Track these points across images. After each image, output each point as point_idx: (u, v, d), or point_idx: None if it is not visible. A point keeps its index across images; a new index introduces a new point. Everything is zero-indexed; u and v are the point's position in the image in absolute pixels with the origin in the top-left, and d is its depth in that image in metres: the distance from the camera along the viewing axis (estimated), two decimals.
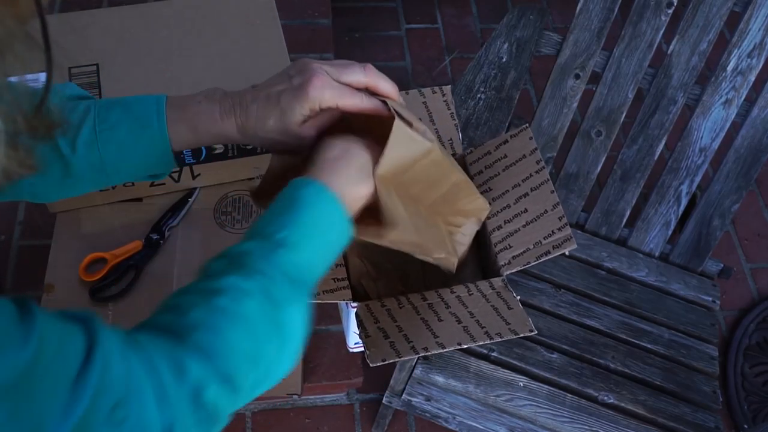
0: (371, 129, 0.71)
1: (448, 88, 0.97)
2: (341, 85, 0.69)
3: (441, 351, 0.79)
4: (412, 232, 0.73)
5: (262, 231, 0.60)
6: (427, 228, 0.80)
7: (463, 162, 0.97)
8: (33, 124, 0.45)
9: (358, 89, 0.70)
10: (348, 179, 0.66)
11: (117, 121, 0.69)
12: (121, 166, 0.71)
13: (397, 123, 0.67)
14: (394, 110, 0.68)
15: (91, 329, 0.48)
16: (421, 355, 0.78)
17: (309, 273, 0.62)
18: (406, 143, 0.70)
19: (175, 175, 1.16)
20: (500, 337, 0.79)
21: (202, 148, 1.13)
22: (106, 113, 0.70)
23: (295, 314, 0.59)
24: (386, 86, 0.72)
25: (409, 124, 0.69)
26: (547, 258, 0.83)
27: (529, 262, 0.84)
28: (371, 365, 0.77)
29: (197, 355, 0.53)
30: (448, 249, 0.82)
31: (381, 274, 0.93)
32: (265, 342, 0.58)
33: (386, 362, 0.77)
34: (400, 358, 0.78)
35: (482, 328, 0.80)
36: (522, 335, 0.80)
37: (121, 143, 0.69)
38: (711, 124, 1.38)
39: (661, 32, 1.34)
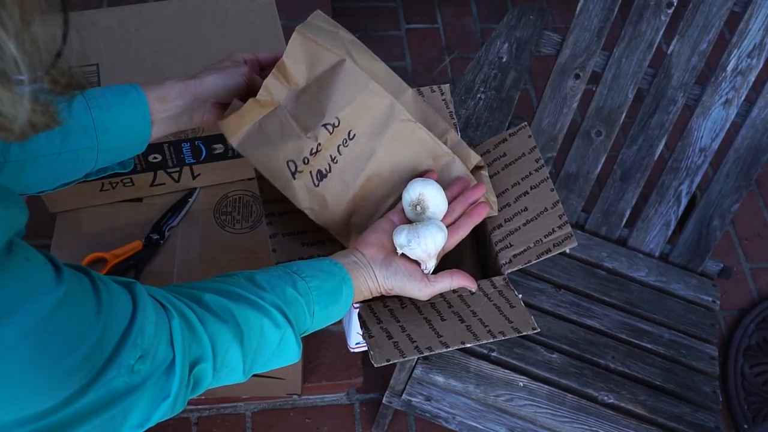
0: None
1: (446, 87, 0.97)
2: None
3: (445, 350, 0.79)
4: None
5: (306, 295, 0.74)
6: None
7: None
8: (54, 77, 0.48)
9: None
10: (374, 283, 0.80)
11: (101, 92, 0.80)
12: (110, 127, 0.79)
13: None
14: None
15: (135, 293, 0.61)
16: (425, 354, 0.78)
17: (311, 328, 0.77)
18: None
19: (175, 175, 1.16)
20: (503, 336, 0.79)
21: (203, 148, 1.13)
22: (90, 91, 0.80)
23: (289, 357, 0.74)
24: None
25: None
26: (548, 256, 0.83)
27: (530, 261, 0.84)
28: (376, 366, 0.77)
29: (208, 353, 0.66)
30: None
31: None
32: (260, 364, 0.73)
33: (390, 362, 0.77)
34: (404, 357, 0.78)
35: (485, 326, 0.80)
36: (525, 333, 0.80)
37: (109, 106, 0.79)
38: (711, 124, 1.38)
39: (661, 32, 1.34)
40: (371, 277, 0.78)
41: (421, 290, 0.79)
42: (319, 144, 0.81)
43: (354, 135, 0.82)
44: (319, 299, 0.74)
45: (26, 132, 0.47)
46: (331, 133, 0.81)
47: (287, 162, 0.82)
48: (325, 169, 0.83)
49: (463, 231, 0.83)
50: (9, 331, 0.48)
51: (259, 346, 0.70)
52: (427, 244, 0.77)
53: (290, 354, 0.73)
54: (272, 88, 0.81)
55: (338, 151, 0.83)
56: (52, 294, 0.51)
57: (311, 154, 0.82)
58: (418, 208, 0.82)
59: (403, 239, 0.78)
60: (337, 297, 0.76)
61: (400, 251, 0.79)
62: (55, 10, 0.47)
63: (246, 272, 0.74)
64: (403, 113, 0.83)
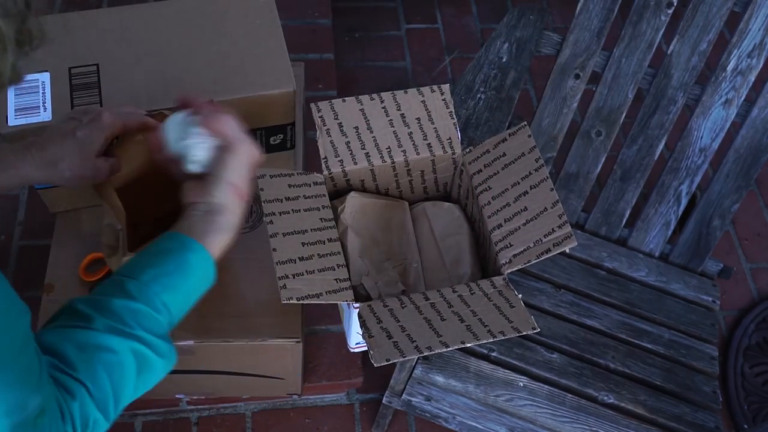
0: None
1: (446, 87, 0.97)
2: (126, 112, 0.88)
3: (445, 350, 0.79)
4: None
5: (147, 289, 0.69)
6: None
7: (462, 161, 0.97)
8: (22, 35, 0.49)
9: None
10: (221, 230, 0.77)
11: None
12: None
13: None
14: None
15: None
16: (425, 354, 0.78)
17: (175, 316, 0.73)
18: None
19: None
20: (503, 336, 0.79)
21: None
22: None
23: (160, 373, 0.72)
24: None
25: None
26: (548, 256, 0.83)
27: (529, 261, 0.84)
28: (375, 365, 0.77)
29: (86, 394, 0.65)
30: None
31: (381, 274, 0.93)
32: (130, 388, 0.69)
33: (390, 362, 0.77)
34: (404, 357, 0.78)
35: (485, 326, 0.80)
36: (525, 333, 0.80)
37: None
38: (711, 124, 1.38)
39: (661, 32, 1.34)
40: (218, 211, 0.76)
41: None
42: None
43: None
44: (161, 288, 0.70)
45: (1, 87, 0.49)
46: None
47: None
48: None
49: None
50: None
51: (115, 382, 0.66)
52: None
53: (157, 368, 0.70)
54: None
55: None
56: None
57: None
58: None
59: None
60: (186, 271, 0.71)
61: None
62: None
63: (70, 303, 0.70)
64: None
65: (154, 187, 0.88)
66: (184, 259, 0.71)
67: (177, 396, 1.41)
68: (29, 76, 1.00)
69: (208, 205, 0.76)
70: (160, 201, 0.88)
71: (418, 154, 0.95)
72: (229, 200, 0.77)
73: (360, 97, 0.95)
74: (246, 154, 0.80)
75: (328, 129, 0.94)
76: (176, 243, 0.72)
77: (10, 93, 1.03)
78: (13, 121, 1.02)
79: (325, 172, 0.94)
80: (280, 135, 1.18)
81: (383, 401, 1.31)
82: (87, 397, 0.64)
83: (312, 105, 0.95)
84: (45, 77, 1.07)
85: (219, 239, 0.75)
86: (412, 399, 1.25)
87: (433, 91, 0.96)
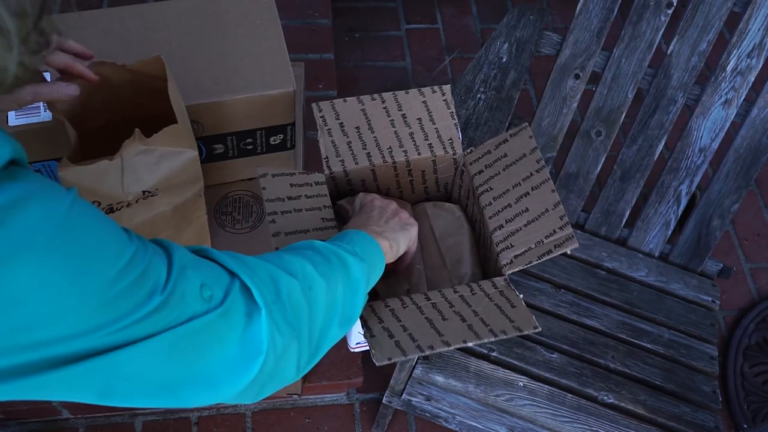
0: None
1: (447, 88, 0.97)
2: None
3: (447, 349, 0.79)
4: None
5: (356, 258, 0.74)
6: None
7: (463, 162, 0.97)
8: (30, 37, 0.50)
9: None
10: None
11: None
12: None
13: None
14: None
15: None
16: (426, 353, 0.78)
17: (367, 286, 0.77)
18: None
19: None
20: (505, 335, 0.79)
21: (203, 148, 1.12)
22: None
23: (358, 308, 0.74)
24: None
25: None
26: (548, 257, 0.83)
27: (530, 262, 0.84)
28: (377, 365, 0.77)
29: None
30: None
31: (384, 274, 0.92)
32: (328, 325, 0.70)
33: (392, 361, 0.77)
34: (405, 356, 0.78)
35: (487, 326, 0.80)
36: (527, 333, 0.80)
37: None
38: (711, 124, 1.38)
39: (661, 32, 1.34)
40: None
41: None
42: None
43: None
44: (353, 245, 0.74)
45: (13, 84, 0.48)
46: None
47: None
48: None
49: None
50: (31, 216, 0.47)
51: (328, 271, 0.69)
52: None
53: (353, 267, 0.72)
54: None
55: None
56: (65, 196, 0.50)
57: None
58: None
59: None
60: (371, 243, 0.77)
61: None
62: None
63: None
64: None
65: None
66: (368, 239, 0.78)
67: None
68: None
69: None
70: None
71: (419, 154, 0.95)
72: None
73: (361, 97, 0.95)
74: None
75: (330, 129, 0.94)
76: (356, 234, 0.78)
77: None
78: (13, 121, 1.02)
79: (327, 172, 0.94)
80: (280, 135, 1.17)
81: (383, 401, 1.31)
82: (308, 262, 0.67)
83: (313, 105, 0.95)
84: (45, 77, 1.07)
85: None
86: (412, 399, 1.25)
87: (434, 91, 0.96)
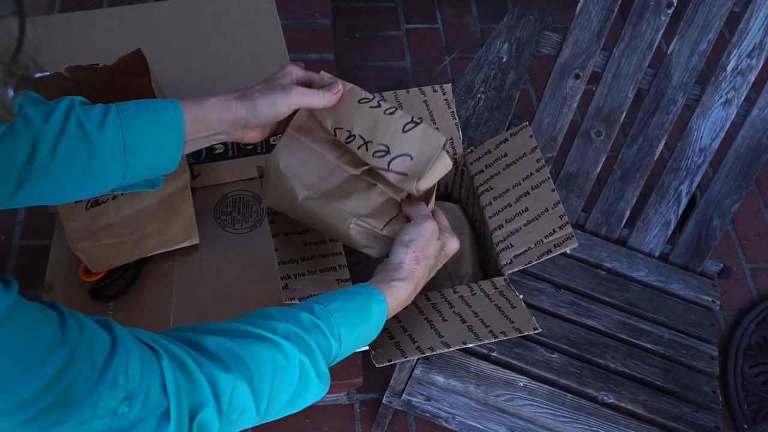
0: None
1: (448, 87, 0.97)
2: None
3: (447, 350, 0.79)
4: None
5: (326, 319, 0.71)
6: None
7: (463, 161, 0.97)
8: (11, 69, 0.49)
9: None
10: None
11: (137, 109, 0.77)
12: (139, 150, 0.77)
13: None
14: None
15: (114, 332, 0.57)
16: (427, 354, 0.78)
17: (341, 353, 0.73)
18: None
19: None
20: (505, 336, 0.79)
21: (203, 148, 1.12)
22: (125, 105, 0.77)
23: (312, 392, 0.70)
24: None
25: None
26: (548, 257, 0.83)
27: (530, 261, 0.84)
28: (377, 366, 0.77)
29: (209, 398, 0.61)
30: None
31: None
32: (282, 403, 0.68)
33: (392, 362, 0.77)
34: (405, 358, 0.78)
35: (486, 326, 0.80)
36: (526, 333, 0.80)
37: (143, 127, 0.76)
38: (711, 124, 1.38)
39: (661, 32, 1.34)
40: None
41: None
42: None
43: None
44: (343, 320, 0.70)
45: None
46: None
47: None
48: None
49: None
50: None
51: (275, 383, 0.66)
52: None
53: (312, 389, 0.69)
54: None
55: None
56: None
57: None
58: None
59: None
60: (366, 315, 0.73)
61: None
62: (8, 14, 0.48)
63: (262, 309, 0.72)
64: None
65: None
66: (367, 305, 0.74)
67: None
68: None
69: (388, 264, 0.79)
70: None
71: None
72: (405, 262, 0.79)
73: None
74: (429, 229, 0.80)
75: None
76: (363, 289, 0.75)
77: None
78: None
79: None
80: (280, 135, 1.17)
81: (383, 401, 1.31)
82: (245, 381, 0.63)
83: None
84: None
85: (394, 294, 0.77)
86: (412, 399, 1.25)
87: (435, 90, 0.96)
